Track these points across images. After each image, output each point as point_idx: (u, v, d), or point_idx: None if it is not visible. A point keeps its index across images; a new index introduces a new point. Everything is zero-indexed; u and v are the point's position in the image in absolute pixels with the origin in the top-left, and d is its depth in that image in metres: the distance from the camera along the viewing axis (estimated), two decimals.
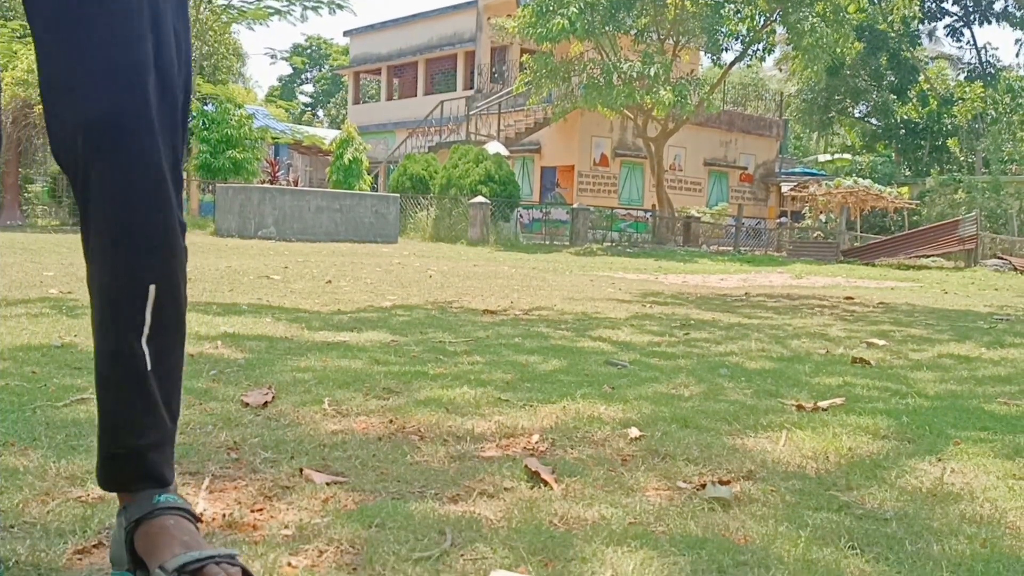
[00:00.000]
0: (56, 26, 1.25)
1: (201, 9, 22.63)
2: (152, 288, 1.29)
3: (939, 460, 2.25)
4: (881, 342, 4.89)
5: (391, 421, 2.45)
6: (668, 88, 20.33)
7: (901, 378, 3.64)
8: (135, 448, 1.34)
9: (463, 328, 4.69)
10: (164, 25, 1.32)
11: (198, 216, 20.90)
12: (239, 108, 21.21)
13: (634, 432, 2.40)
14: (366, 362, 3.40)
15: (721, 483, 1.99)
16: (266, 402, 2.57)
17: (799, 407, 2.85)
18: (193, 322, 4.19)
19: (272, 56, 45.38)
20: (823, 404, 2.88)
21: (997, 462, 2.24)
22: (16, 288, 5.24)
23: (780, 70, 40.90)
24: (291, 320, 4.59)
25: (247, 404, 2.54)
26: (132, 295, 1.29)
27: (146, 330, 1.30)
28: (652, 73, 20.27)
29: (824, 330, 5.52)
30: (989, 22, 35.43)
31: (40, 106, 9.90)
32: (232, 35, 29.16)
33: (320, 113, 61.88)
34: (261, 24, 24.14)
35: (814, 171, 33.30)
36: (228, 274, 7.62)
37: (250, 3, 23.10)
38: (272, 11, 23.02)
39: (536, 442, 2.31)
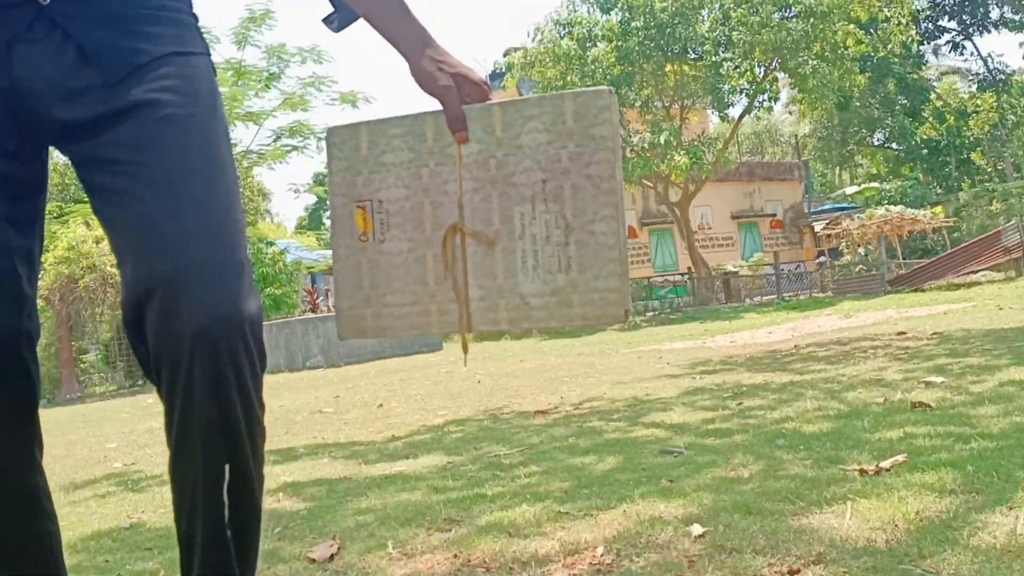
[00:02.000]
0: (156, 186, 1.30)
1: None
2: (227, 469, 1.31)
3: (1010, 510, 2.20)
4: (939, 379, 4.81)
5: (455, 556, 2.46)
6: (681, 152, 20.55)
7: (963, 418, 3.57)
8: None
9: (516, 436, 4.69)
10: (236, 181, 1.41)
11: None
12: (271, 245, 21.74)
13: (697, 529, 2.38)
14: (425, 492, 3.42)
15: (791, 573, 1.97)
16: (332, 555, 2.60)
17: (861, 471, 2.81)
18: None
19: (296, 191, 46.64)
20: (885, 464, 2.83)
21: None
22: (82, 468, 5.36)
23: (790, 113, 41.16)
24: (348, 456, 4.64)
25: (314, 560, 2.56)
26: (212, 477, 1.32)
27: (227, 512, 1.33)
28: (663, 140, 20.52)
29: (879, 375, 5.45)
30: (989, 31, 35.52)
31: (86, 279, 10.24)
32: (255, 178, 30.09)
33: None
34: (280, 162, 24.88)
35: (844, 205, 33.15)
36: (282, 414, 7.72)
37: (267, 145, 23.87)
38: (289, 148, 23.72)
39: (601, 555, 2.30)
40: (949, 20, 35.84)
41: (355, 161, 1.35)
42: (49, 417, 10.94)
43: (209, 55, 1.47)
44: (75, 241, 16.29)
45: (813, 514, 2.42)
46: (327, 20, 1.45)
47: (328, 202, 1.36)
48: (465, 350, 1.43)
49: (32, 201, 1.42)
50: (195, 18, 1.46)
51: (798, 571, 1.98)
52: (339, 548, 2.67)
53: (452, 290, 1.29)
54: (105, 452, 6.08)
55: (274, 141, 23.70)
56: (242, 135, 23.65)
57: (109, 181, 1.36)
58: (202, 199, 1.32)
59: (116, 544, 3.01)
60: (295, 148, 23.75)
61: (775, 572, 1.99)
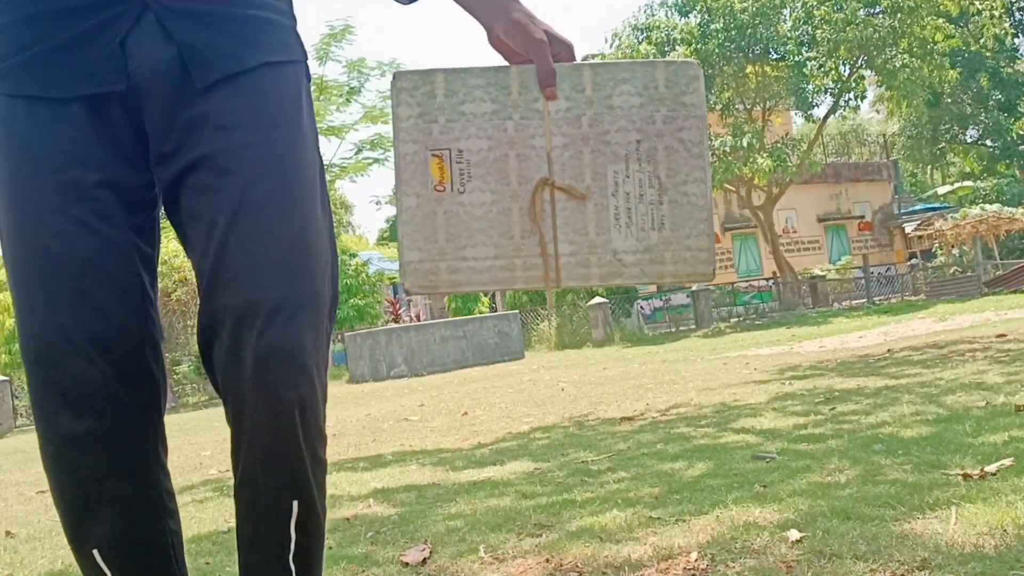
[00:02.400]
0: (238, 219, 1.31)
1: None
2: (295, 504, 1.34)
3: None
4: None
5: (547, 560, 2.45)
6: (764, 155, 20.20)
7: None
8: None
9: (603, 442, 4.67)
10: (327, 210, 1.41)
11: (333, 366, 21.64)
12: (354, 257, 22.12)
13: (794, 535, 2.33)
14: (514, 498, 3.42)
15: None
16: (424, 559, 2.62)
17: (965, 476, 2.71)
18: (344, 482, 4.32)
19: (377, 202, 47.40)
20: (991, 468, 2.73)
21: None
22: (179, 474, 5.52)
23: (877, 112, 40.11)
24: (435, 463, 4.67)
25: (407, 564, 2.58)
26: (277, 513, 1.34)
27: (292, 547, 1.35)
28: (745, 144, 20.21)
29: (980, 378, 5.25)
30: None
31: (178, 292, 10.58)
32: (337, 191, 30.65)
33: None
34: (362, 175, 25.32)
35: (936, 205, 32.11)
36: (368, 423, 7.83)
37: (349, 159, 24.32)
38: (370, 161, 24.14)
39: (695, 560, 2.27)
40: None
41: (430, 108, 1.32)
42: None
43: (305, 60, 1.48)
44: (167, 256, 16.84)
45: (915, 519, 2.34)
46: None
47: (394, 150, 1.33)
48: (551, 305, 1.41)
49: (152, 208, 1.44)
50: (294, 20, 1.46)
51: None
52: (431, 552, 2.69)
53: (539, 244, 1.28)
54: (201, 459, 6.26)
55: (355, 154, 24.15)
56: (324, 149, 24.12)
57: (185, 201, 1.38)
58: (274, 229, 1.32)
59: (216, 547, 3.09)
60: (376, 160, 24.16)
61: None
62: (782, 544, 2.29)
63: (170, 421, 10.89)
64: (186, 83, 1.34)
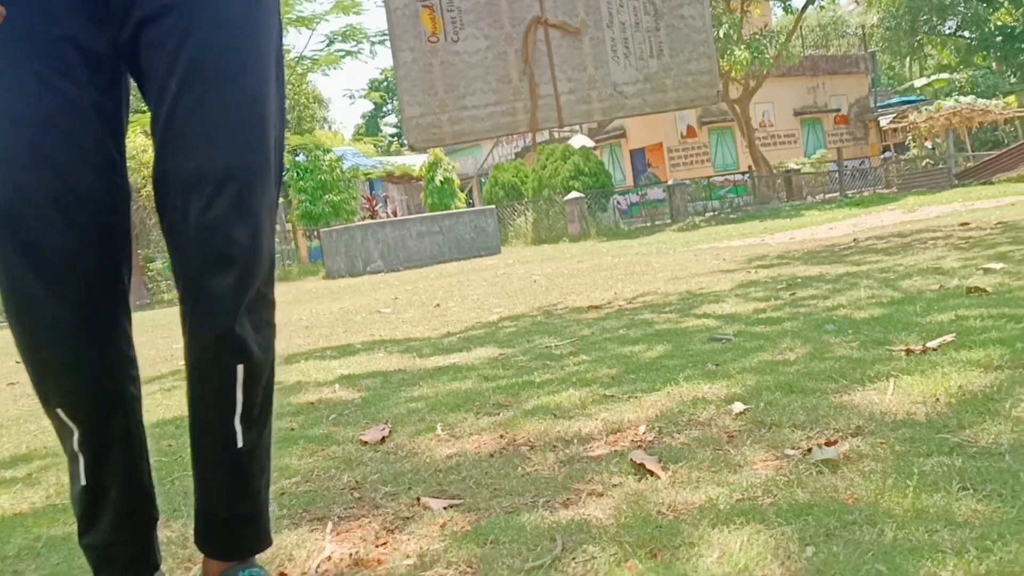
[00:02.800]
0: (188, 83, 1.31)
1: None
2: (240, 368, 1.38)
3: None
4: (999, 265, 4.71)
5: (502, 436, 2.53)
6: (742, 47, 19.94)
7: (1019, 301, 3.51)
8: (227, 519, 1.45)
9: (568, 329, 4.74)
10: (281, 79, 1.41)
11: (308, 263, 21.64)
12: (328, 153, 21.86)
13: (738, 407, 2.41)
14: (476, 381, 3.50)
15: (828, 444, 1.99)
16: (383, 437, 2.69)
17: (908, 351, 2.79)
18: (311, 369, 4.39)
19: (351, 97, 46.55)
20: (933, 344, 2.81)
21: None
22: (150, 366, 5.58)
23: (857, 3, 39.45)
24: (403, 351, 4.74)
25: (366, 442, 2.66)
26: (223, 375, 1.38)
27: (239, 408, 1.39)
28: (723, 35, 19.90)
29: (938, 263, 5.35)
30: None
31: (149, 188, 10.30)
32: (309, 84, 30.05)
33: None
34: (335, 68, 24.81)
35: (912, 98, 32.00)
36: (341, 315, 7.89)
37: (320, 51, 23.77)
38: (343, 53, 23.63)
39: (643, 433, 2.35)
40: None
41: None
42: None
43: None
44: (135, 151, 16.58)
45: (855, 391, 2.43)
46: None
47: (384, 4, 1.30)
48: (535, 140, 1.42)
49: (115, 67, 1.41)
50: None
51: (835, 443, 2.00)
52: (390, 431, 2.76)
53: (539, 86, 1.27)
54: (171, 352, 6.30)
55: (327, 46, 23.60)
56: (295, 40, 23.53)
57: (142, 59, 1.37)
58: (225, 97, 1.32)
59: (179, 431, 3.16)
60: (348, 53, 23.68)
61: (812, 444, 2.01)
62: (726, 416, 2.38)
63: (143, 317, 10.90)
64: None
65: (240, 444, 1.41)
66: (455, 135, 1.30)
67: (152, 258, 18.30)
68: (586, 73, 1.27)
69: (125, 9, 1.34)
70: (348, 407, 3.29)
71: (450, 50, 1.27)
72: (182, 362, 5.52)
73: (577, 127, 25.84)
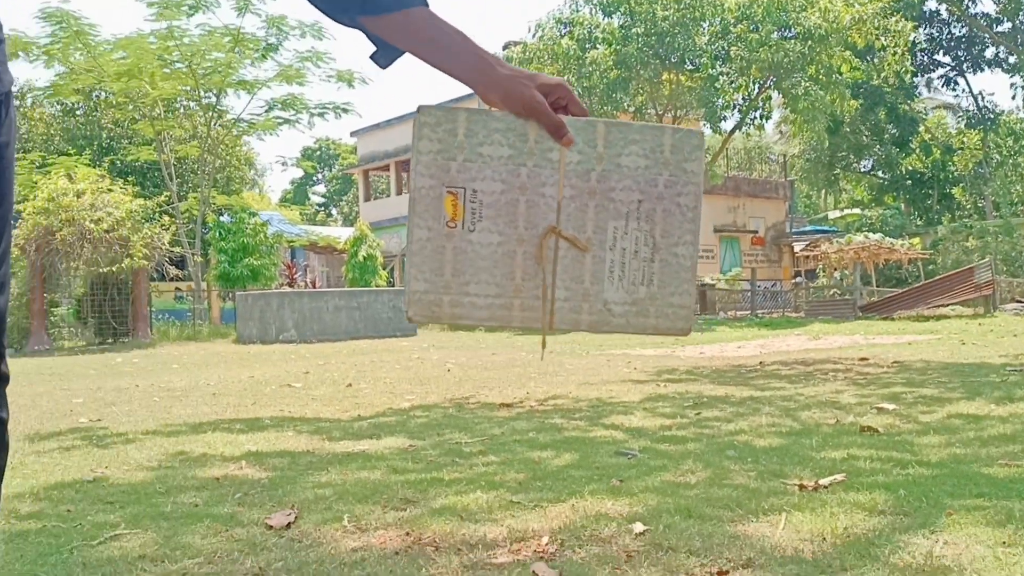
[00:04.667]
0: None
1: (212, 126, 23.37)
2: None
3: (932, 533, 2.34)
4: (891, 406, 4.97)
5: (407, 533, 2.57)
6: None
7: (906, 445, 3.72)
8: None
9: (479, 426, 4.81)
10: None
11: (220, 324, 21.25)
12: (253, 216, 21.72)
13: (639, 527, 2.51)
14: (384, 472, 3.52)
15: (720, 574, 2.10)
16: (289, 523, 2.70)
17: (801, 487, 2.94)
18: (219, 442, 4.35)
19: (283, 163, 46.39)
20: (824, 482, 2.97)
21: (988, 530, 2.33)
22: (48, 419, 5.42)
23: (781, 132, 41.47)
24: (312, 432, 4.73)
25: (271, 527, 2.66)
26: None
27: None
28: None
29: (836, 397, 5.60)
30: (982, 69, 35.94)
31: (64, 232, 10.05)
32: (243, 147, 30.00)
33: (334, 211, 62.98)
34: (271, 134, 24.85)
35: (825, 228, 33.51)
36: (251, 385, 7.79)
37: (259, 116, 23.83)
38: (281, 121, 23.72)
39: (546, 544, 2.42)
40: (944, 55, 36.28)
41: (450, 145, 1.36)
42: (16, 367, 10.93)
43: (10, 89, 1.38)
44: (56, 193, 16.23)
45: (749, 522, 2.55)
46: (373, 57, 1.44)
47: (411, 182, 1.39)
48: (544, 345, 1.49)
49: None
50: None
51: (727, 572, 2.10)
52: (296, 517, 2.77)
53: (538, 288, 1.36)
54: (71, 407, 6.14)
55: (266, 112, 23.67)
56: (234, 103, 23.55)
57: None
58: None
59: (79, 495, 3.10)
60: (287, 121, 23.76)
61: (706, 572, 2.11)
62: (627, 535, 2.47)
63: (43, 364, 10.53)
64: None
65: None
66: (452, 316, 1.39)
67: (57, 303, 17.75)
68: (582, 286, 1.38)
69: None
70: (254, 487, 3.28)
71: (465, 238, 1.35)
72: (83, 418, 5.38)
73: None
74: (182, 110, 24.03)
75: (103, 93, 25.62)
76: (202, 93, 22.57)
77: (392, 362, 10.52)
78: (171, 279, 21.38)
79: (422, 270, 1.35)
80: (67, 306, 18.28)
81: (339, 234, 30.40)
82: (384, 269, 25.29)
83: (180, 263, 21.51)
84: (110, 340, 17.01)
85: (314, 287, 24.03)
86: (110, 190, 17.04)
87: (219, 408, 5.93)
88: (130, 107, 23.27)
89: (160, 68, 21.43)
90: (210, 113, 23.01)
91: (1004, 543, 2.23)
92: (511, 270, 1.36)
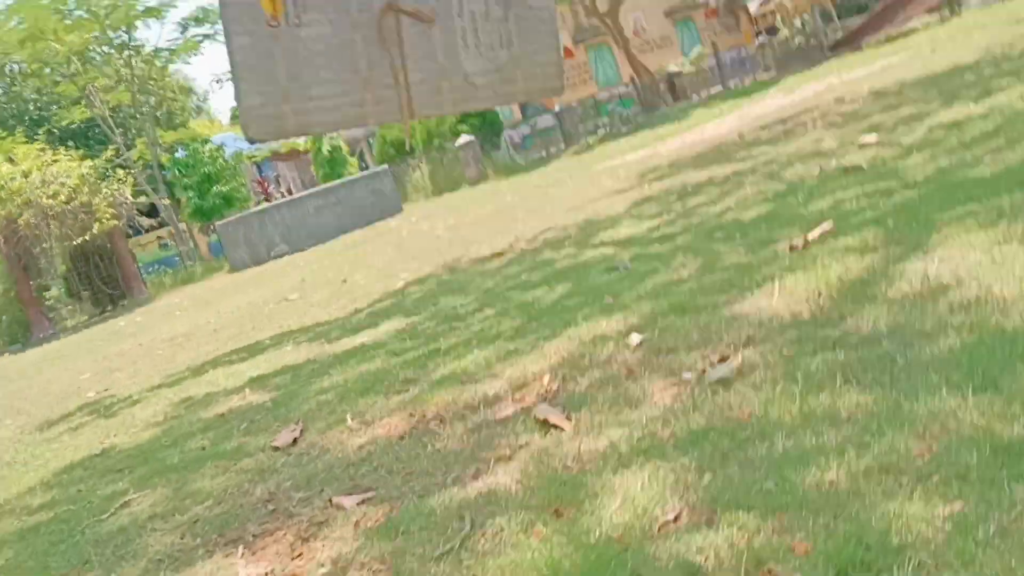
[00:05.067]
0: None
1: (134, 64, 22.50)
2: None
3: (925, 254, 2.24)
4: (873, 138, 4.81)
5: (411, 415, 2.50)
6: None
7: (891, 173, 3.60)
8: None
9: (472, 283, 4.72)
10: None
11: (211, 259, 21.12)
12: (207, 143, 21.20)
13: (635, 339, 2.43)
14: (384, 358, 3.45)
15: (721, 361, 2.02)
16: (295, 439, 2.64)
17: (791, 248, 2.84)
18: (220, 377, 4.29)
19: (219, 81, 44.74)
20: (813, 235, 2.86)
21: (981, 235, 2.23)
22: (57, 403, 5.39)
23: None
24: (312, 339, 4.66)
25: (278, 448, 2.61)
26: None
27: None
28: None
29: (817, 146, 5.45)
30: None
31: (25, 216, 9.85)
32: (173, 77, 28.99)
33: None
34: (195, 54, 23.95)
35: None
36: (248, 310, 7.73)
37: (177, 40, 22.90)
38: (201, 38, 22.80)
39: (547, 383, 2.35)
40: None
41: None
42: (24, 361, 10.94)
43: None
44: (2, 180, 15.80)
45: (745, 299, 2.46)
46: None
47: None
48: (408, 135, 1.35)
49: None
50: None
51: (727, 357, 2.02)
52: (301, 431, 2.71)
53: (388, 75, 1.20)
54: (79, 383, 6.10)
55: (183, 33, 22.75)
56: (145, 35, 22.60)
57: None
58: None
59: (88, 472, 3.05)
60: (206, 37, 22.83)
61: (707, 364, 2.04)
62: (625, 350, 2.39)
63: (50, 350, 10.50)
64: None
65: None
66: (299, 126, 1.22)
67: (47, 286, 17.61)
68: (437, 63, 1.23)
69: None
70: (258, 412, 3.22)
71: (293, 35, 1.17)
72: (90, 392, 5.34)
73: None
74: (98, 58, 23.10)
75: (15, 66, 24.63)
76: (111, 34, 21.63)
77: (383, 245, 10.41)
78: (148, 230, 21.13)
79: (252, 82, 1.17)
80: (57, 287, 18.16)
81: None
82: (352, 156, 24.88)
83: (151, 212, 21.20)
84: (109, 307, 16.94)
85: (290, 195, 23.71)
86: (55, 161, 16.56)
87: (219, 343, 5.87)
88: (46, 71, 22.40)
89: (60, 22, 20.47)
90: (126, 52, 22.12)
91: (998, 242, 2.13)
92: (353, 61, 1.19)
